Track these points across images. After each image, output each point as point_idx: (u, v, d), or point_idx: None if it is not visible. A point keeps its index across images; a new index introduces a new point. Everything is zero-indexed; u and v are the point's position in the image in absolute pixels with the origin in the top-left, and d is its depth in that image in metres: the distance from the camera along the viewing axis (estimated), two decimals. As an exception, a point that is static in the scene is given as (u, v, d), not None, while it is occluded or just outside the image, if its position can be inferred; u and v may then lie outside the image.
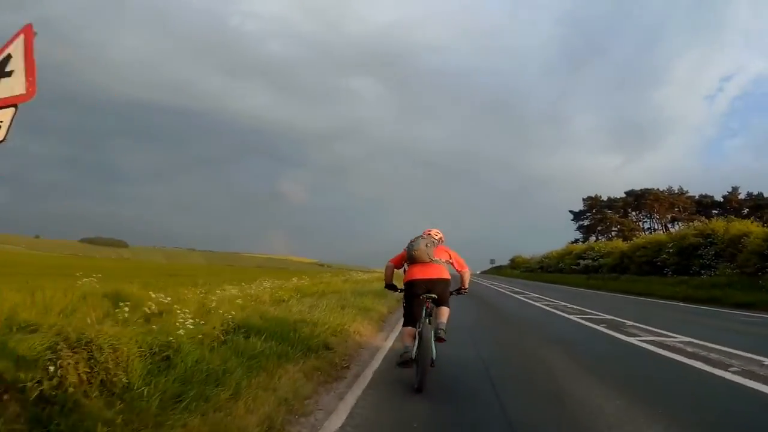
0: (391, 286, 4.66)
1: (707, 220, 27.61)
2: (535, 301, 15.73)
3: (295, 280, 14.28)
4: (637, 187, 60.56)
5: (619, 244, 33.76)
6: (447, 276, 4.17)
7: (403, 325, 4.23)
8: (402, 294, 4.37)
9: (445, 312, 4.11)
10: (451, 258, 4.35)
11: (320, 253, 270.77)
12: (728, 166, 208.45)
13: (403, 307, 4.27)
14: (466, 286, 4.62)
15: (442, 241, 4.49)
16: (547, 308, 12.82)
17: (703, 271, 20.52)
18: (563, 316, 10.66)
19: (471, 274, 4.93)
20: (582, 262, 37.16)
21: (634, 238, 33.18)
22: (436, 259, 4.16)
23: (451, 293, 4.33)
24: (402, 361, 3.96)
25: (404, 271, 4.35)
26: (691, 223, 31.37)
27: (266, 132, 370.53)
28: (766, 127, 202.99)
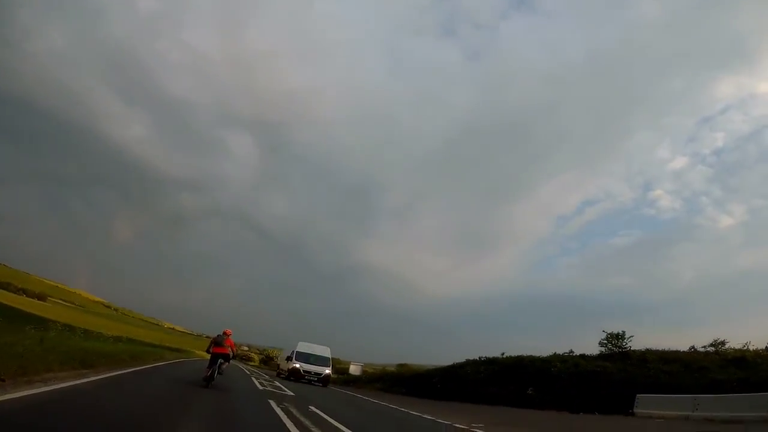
0: (209, 353, 11.58)
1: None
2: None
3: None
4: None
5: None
6: (228, 351, 11.34)
7: (207, 368, 11.17)
8: (210, 356, 11.53)
9: (226, 365, 11.49)
10: (233, 345, 11.70)
11: (119, 297, 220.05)
12: (553, 282, 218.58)
13: (210, 360, 11.35)
14: (233, 355, 12.37)
15: (229, 335, 11.48)
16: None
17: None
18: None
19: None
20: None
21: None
22: (225, 345, 11.29)
23: (229, 360, 11.77)
24: (204, 384, 10.73)
25: (213, 346, 11.43)
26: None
27: (127, 165, 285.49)
28: (598, 252, 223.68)
